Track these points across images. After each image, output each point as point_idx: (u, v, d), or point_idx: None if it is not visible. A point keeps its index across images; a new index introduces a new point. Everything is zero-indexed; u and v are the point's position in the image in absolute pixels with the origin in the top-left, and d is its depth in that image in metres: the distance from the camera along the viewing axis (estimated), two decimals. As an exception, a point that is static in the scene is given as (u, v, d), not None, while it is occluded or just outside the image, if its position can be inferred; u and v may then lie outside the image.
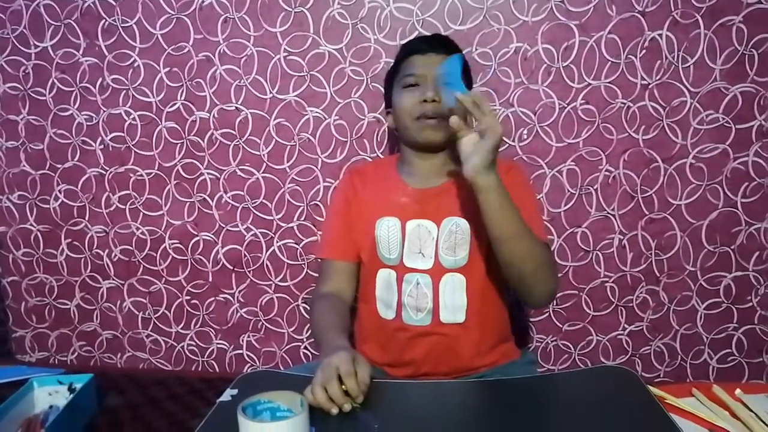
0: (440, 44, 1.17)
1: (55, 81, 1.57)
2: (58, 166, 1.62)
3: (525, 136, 1.46)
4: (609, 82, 1.42)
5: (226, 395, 0.94)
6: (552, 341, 1.57)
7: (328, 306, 1.15)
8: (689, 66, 1.40)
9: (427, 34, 1.37)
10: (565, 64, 1.42)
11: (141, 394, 1.15)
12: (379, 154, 1.51)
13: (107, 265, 1.66)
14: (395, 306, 1.15)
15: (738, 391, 0.96)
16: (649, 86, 1.41)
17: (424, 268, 1.14)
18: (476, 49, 1.42)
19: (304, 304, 1.61)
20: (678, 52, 1.39)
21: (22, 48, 1.57)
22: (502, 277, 1.15)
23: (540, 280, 1.05)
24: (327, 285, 1.21)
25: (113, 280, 1.67)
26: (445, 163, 1.18)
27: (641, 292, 1.52)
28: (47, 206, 1.65)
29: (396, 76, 1.19)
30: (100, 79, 1.56)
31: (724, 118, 1.41)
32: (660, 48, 1.39)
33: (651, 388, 0.94)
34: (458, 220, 1.13)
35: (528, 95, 1.44)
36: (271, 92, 1.51)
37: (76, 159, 1.61)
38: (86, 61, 1.55)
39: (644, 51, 1.40)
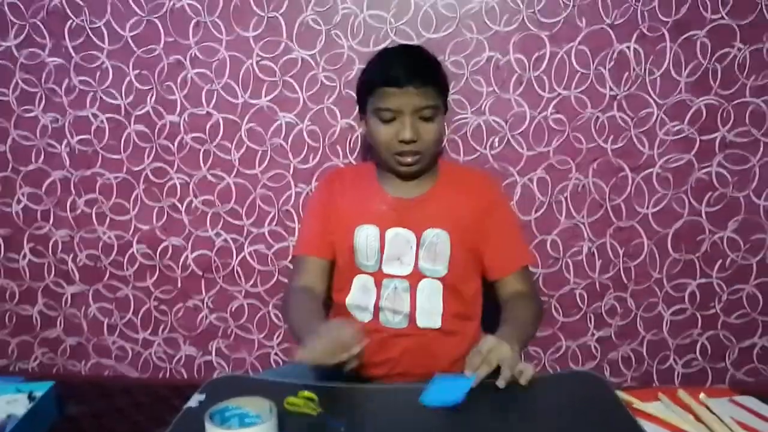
0: (418, 74, 1.07)
1: (19, 81, 1.53)
2: (21, 168, 1.58)
3: (496, 145, 1.47)
4: (579, 93, 1.44)
5: (194, 401, 0.91)
6: (522, 348, 1.58)
7: (306, 298, 1.14)
8: (656, 78, 1.43)
9: (404, 42, 1.38)
10: (536, 74, 1.44)
11: (105, 403, 1.12)
12: (352, 161, 1.51)
13: (72, 270, 1.62)
14: (372, 309, 1.15)
15: (702, 396, 0.98)
16: (618, 97, 1.44)
17: (403, 274, 1.14)
18: (449, 58, 1.43)
19: (275, 310, 1.59)
20: (645, 64, 1.42)
21: (-14, 47, 1.53)
22: (478, 287, 1.17)
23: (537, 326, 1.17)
24: (301, 279, 1.20)
25: (78, 285, 1.63)
26: (425, 174, 1.18)
27: (609, 299, 1.54)
28: (9, 209, 1.60)
29: (371, 94, 1.11)
30: (67, 81, 1.52)
31: (689, 129, 1.45)
32: (628, 60, 1.42)
33: (618, 392, 0.95)
34: (439, 232, 1.13)
35: (499, 104, 1.46)
36: (242, 97, 1.49)
37: (40, 162, 1.57)
38: (52, 61, 1.52)
39: (613, 62, 1.43)
